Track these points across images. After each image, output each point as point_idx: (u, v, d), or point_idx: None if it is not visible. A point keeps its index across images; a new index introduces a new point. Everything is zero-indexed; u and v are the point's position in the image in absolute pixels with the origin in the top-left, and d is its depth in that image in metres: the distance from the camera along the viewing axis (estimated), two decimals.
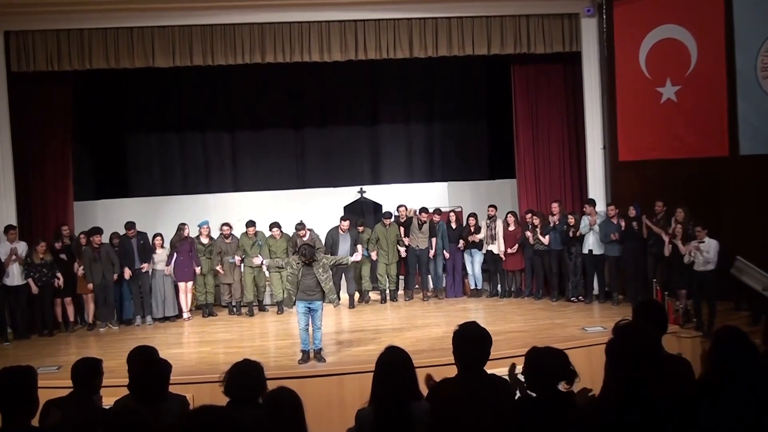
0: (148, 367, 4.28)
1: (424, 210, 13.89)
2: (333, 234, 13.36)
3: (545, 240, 13.05)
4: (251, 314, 13.20)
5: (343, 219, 13.53)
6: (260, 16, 12.80)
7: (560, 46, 13.51)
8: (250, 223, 13.15)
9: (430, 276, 14.10)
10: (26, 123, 12.87)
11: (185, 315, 12.98)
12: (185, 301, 13.02)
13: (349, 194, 15.18)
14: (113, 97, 14.80)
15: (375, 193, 15.32)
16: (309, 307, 9.67)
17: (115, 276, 12.49)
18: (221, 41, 12.77)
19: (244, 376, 4.15)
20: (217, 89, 15.00)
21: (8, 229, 12.03)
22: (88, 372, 4.70)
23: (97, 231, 12.48)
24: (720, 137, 12.30)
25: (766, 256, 11.11)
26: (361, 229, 13.65)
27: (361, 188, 15.23)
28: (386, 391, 4.04)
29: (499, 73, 14.66)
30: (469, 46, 13.25)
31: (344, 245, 13.24)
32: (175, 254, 12.90)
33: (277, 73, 14.36)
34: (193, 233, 13.32)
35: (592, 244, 12.71)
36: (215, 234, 13.35)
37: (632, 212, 12.34)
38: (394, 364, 4.18)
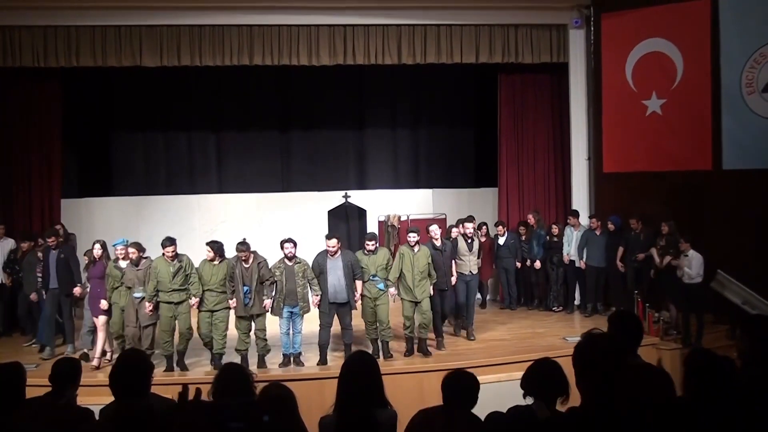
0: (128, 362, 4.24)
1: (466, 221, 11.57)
2: (320, 259, 9.90)
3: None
4: (181, 368, 9.73)
5: (328, 237, 9.98)
6: (249, 18, 12.77)
7: (548, 57, 13.59)
8: (168, 242, 9.67)
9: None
10: (11, 118, 12.78)
11: (95, 361, 9.69)
12: (100, 342, 9.85)
13: (334, 198, 15.15)
14: (99, 95, 14.70)
15: (360, 198, 15.31)
16: (291, 312, 9.72)
17: (34, 294, 10.94)
18: (209, 42, 12.73)
19: (232, 380, 4.09)
20: (203, 90, 14.94)
21: None
22: (67, 372, 4.67)
23: (26, 237, 11.66)
24: (704, 151, 12.40)
25: (746, 270, 11.21)
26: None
27: (346, 193, 15.21)
28: (350, 397, 3.93)
29: (486, 82, 14.73)
30: (458, 54, 13.29)
31: (335, 274, 9.82)
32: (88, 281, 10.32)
33: (264, 75, 14.34)
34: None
35: (573, 254, 12.77)
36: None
37: (611, 226, 12.37)
38: (359, 370, 4.08)
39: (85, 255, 10.52)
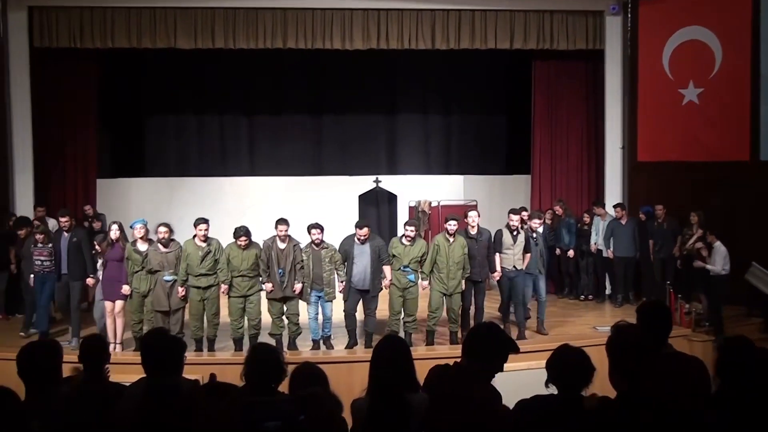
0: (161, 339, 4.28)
1: (514, 211, 10.60)
2: (347, 245, 9.81)
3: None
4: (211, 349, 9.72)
5: (359, 226, 9.82)
6: (283, 1, 12.76)
7: (583, 44, 13.41)
8: (201, 221, 9.61)
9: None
10: (48, 98, 12.91)
11: (112, 346, 9.18)
12: (112, 328, 9.63)
13: (364, 183, 15.16)
14: (133, 77, 14.80)
15: (390, 183, 15.29)
16: (319, 296, 9.71)
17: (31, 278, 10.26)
18: (243, 25, 12.73)
19: (263, 362, 4.10)
20: (236, 73, 14.96)
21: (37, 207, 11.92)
22: (96, 348, 4.72)
23: (22, 223, 11.09)
24: (741, 141, 12.23)
25: None
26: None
27: (377, 178, 15.20)
28: (383, 381, 3.91)
29: (520, 68, 14.58)
30: (492, 40, 13.16)
31: (361, 261, 9.77)
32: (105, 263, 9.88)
33: (296, 59, 14.33)
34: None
35: (600, 244, 12.64)
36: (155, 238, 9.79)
37: (642, 216, 12.27)
38: (391, 354, 4.07)
39: (95, 241, 10.13)
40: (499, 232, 10.38)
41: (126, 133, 15.06)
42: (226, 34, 12.71)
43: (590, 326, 10.98)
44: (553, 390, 3.78)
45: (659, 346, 3.91)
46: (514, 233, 10.31)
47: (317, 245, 9.70)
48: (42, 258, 10.07)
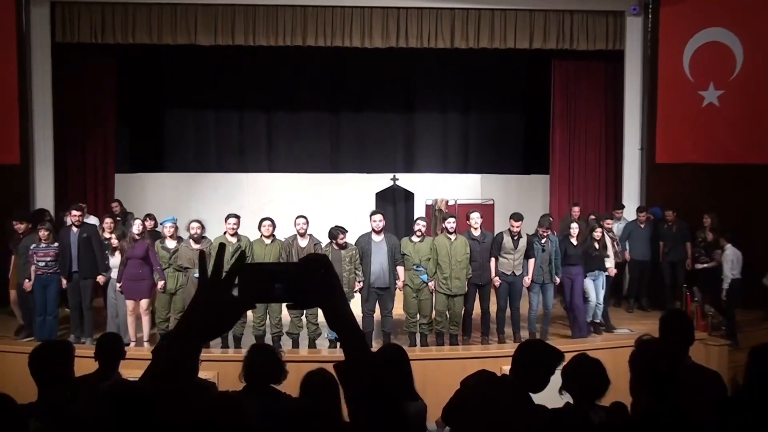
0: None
1: (516, 217, 10.22)
2: (362, 242, 9.70)
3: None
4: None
5: (373, 213, 9.85)
6: None
7: (603, 44, 13.34)
8: (232, 216, 9.58)
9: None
10: (68, 93, 12.99)
11: (132, 344, 9.31)
12: (133, 326, 9.54)
13: (382, 181, 15.18)
14: (152, 72, 14.90)
15: (408, 181, 15.30)
16: None
17: (27, 282, 9.67)
18: (264, 22, 12.75)
19: (262, 362, 4.12)
20: (255, 69, 15.00)
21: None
22: (111, 347, 4.77)
23: (22, 217, 10.33)
24: (761, 144, 12.18)
25: None
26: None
27: (394, 176, 15.21)
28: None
29: (539, 68, 14.54)
30: (511, 39, 13.12)
31: (377, 258, 9.62)
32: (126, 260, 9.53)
33: (315, 56, 14.36)
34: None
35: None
36: (185, 234, 9.85)
37: (650, 217, 12.21)
38: (390, 363, 4.06)
39: (113, 235, 9.83)
40: (500, 236, 10.19)
41: (145, 128, 15.14)
42: (246, 31, 12.74)
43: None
44: (567, 397, 3.80)
45: (681, 356, 3.91)
46: (515, 237, 10.07)
47: (341, 247, 9.59)
48: (47, 259, 9.61)
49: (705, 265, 11.34)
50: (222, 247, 1.91)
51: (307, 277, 1.82)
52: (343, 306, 1.85)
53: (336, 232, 9.52)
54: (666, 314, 4.37)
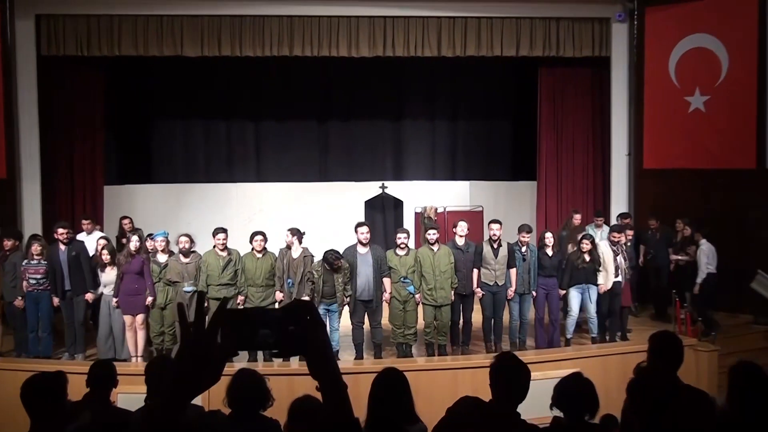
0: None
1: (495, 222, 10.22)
2: (348, 255, 9.57)
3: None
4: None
5: (359, 225, 9.73)
6: (290, 8, 12.76)
7: (589, 51, 13.41)
8: (220, 230, 9.56)
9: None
10: (55, 106, 12.95)
11: (133, 359, 9.41)
12: (133, 342, 9.48)
13: (370, 189, 15.18)
14: (140, 83, 14.83)
15: (397, 189, 15.32)
16: (328, 309, 9.53)
17: (19, 300, 9.62)
18: (250, 32, 12.75)
19: (246, 387, 4.11)
20: (243, 79, 14.98)
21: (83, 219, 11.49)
22: (104, 374, 4.76)
23: (10, 233, 10.22)
24: (747, 149, 12.20)
25: None
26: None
27: (383, 184, 15.22)
28: (381, 414, 3.91)
29: (526, 75, 14.60)
30: (498, 47, 13.16)
31: (364, 271, 9.57)
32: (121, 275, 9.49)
33: (303, 65, 14.36)
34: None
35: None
36: (176, 249, 9.73)
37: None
38: (390, 386, 4.07)
39: (105, 251, 9.64)
40: (480, 247, 10.06)
41: (133, 140, 15.08)
42: (232, 42, 12.74)
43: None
44: (557, 413, 3.85)
45: (671, 377, 3.95)
46: (495, 246, 9.97)
47: (335, 270, 9.46)
48: (38, 276, 9.57)
49: (680, 256, 11.38)
50: (201, 296, 1.90)
51: (292, 323, 1.80)
52: (327, 356, 1.84)
53: (331, 258, 9.37)
54: (654, 338, 4.38)
